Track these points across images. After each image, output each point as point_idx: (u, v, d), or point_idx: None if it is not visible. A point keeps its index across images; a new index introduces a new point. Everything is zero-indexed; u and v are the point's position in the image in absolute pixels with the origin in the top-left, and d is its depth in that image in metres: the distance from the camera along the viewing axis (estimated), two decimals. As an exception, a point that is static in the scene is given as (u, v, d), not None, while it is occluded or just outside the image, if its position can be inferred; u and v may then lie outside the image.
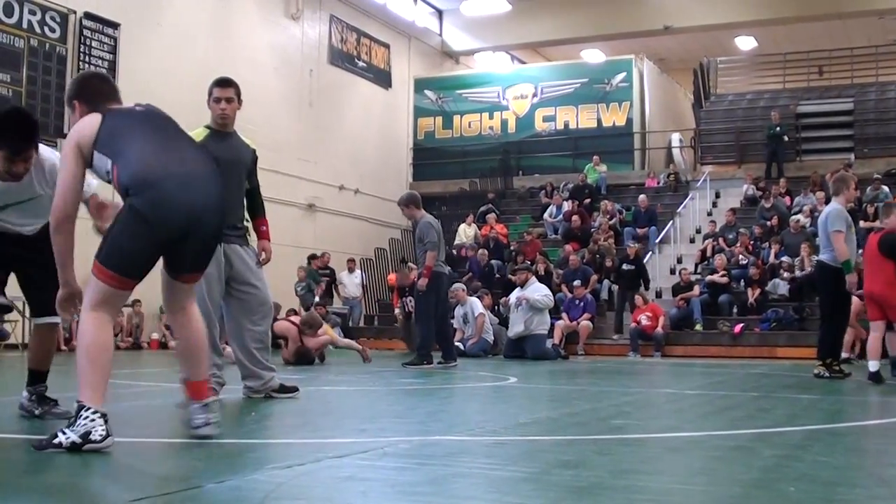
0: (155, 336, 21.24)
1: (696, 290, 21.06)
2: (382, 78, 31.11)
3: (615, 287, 21.77)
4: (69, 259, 4.73)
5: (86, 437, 4.21)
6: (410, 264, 18.04)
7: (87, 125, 4.70)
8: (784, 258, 21.14)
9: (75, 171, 4.64)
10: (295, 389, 7.56)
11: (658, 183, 28.91)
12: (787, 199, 24.72)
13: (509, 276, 21.96)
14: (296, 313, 17.53)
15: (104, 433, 4.25)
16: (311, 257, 23.35)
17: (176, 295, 4.87)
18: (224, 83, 7.39)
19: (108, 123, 4.68)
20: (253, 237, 7.63)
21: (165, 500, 3.24)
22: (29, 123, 5.53)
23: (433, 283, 13.26)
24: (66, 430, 4.24)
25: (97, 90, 4.96)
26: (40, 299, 5.83)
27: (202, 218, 4.58)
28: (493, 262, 23.52)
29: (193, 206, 4.53)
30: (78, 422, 4.26)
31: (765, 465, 4.33)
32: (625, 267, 21.12)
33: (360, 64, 29.82)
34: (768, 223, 23.40)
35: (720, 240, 23.17)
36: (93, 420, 4.27)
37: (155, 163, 4.55)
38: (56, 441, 4.22)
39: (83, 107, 4.87)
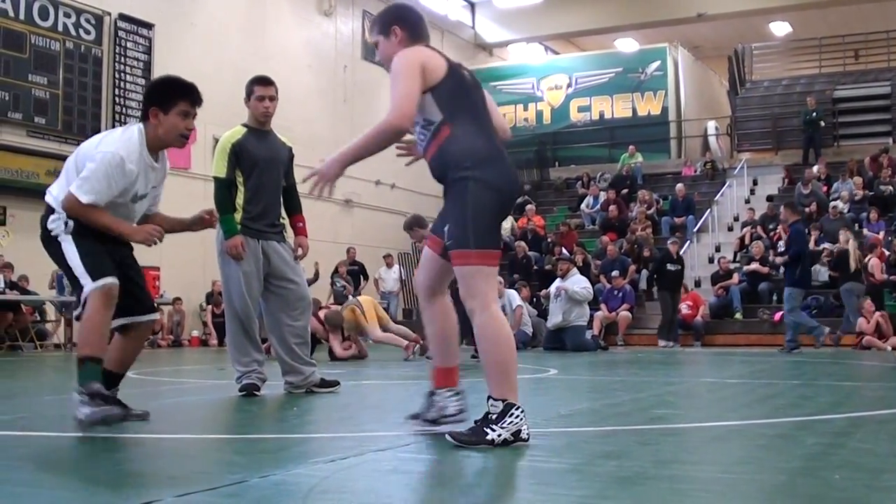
0: (195, 333, 21.35)
1: (736, 278, 20.96)
2: (416, 72, 31.06)
3: (655, 290, 20.45)
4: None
5: (517, 435, 4.37)
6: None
7: (433, 60, 4.70)
8: (824, 244, 20.99)
9: (418, 87, 4.57)
10: (336, 384, 7.59)
11: (695, 171, 28.77)
12: (824, 185, 24.57)
13: (546, 266, 21.93)
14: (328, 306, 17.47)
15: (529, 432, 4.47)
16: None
17: (443, 279, 4.84)
18: (266, 81, 7.43)
19: (452, 78, 4.71)
20: (290, 233, 7.66)
21: (211, 494, 3.26)
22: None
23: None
24: (496, 427, 4.37)
25: (422, 26, 4.97)
26: (140, 296, 5.66)
27: (517, 194, 4.93)
28: (531, 253, 23.47)
29: (518, 182, 4.90)
30: (507, 419, 4.37)
31: (808, 453, 4.32)
32: (670, 267, 19.63)
33: (394, 59, 29.79)
34: (807, 209, 23.25)
35: (758, 227, 23.04)
36: (520, 418, 4.41)
37: (490, 140, 4.66)
38: (488, 438, 4.33)
39: (405, 34, 4.86)
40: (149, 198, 5.62)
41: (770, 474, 3.74)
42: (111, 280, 5.17)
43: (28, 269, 18.02)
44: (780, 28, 34.57)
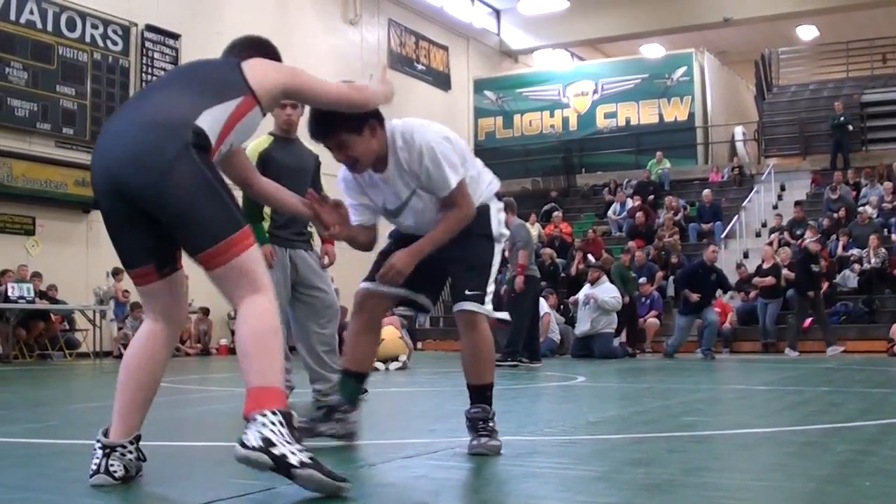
0: (223, 342, 21.43)
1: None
2: (442, 80, 31.14)
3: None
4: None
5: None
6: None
7: None
8: (853, 250, 20.88)
9: None
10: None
11: (722, 177, 28.66)
12: (852, 190, 24.44)
13: (571, 273, 21.94)
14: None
15: (94, 468, 3.64)
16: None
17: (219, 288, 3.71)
18: (290, 90, 7.40)
19: None
20: (317, 241, 7.67)
21: (240, 501, 3.28)
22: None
23: (527, 284, 13.66)
24: None
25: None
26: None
27: (123, 179, 3.50)
28: (558, 260, 23.42)
29: (107, 165, 3.56)
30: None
31: (839, 461, 4.29)
32: (814, 268, 18.57)
33: (420, 67, 29.87)
34: (835, 215, 23.13)
35: (786, 233, 22.95)
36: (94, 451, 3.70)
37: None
38: None
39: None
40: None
41: (800, 482, 3.73)
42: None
43: (56, 279, 18.13)
44: (807, 32, 34.45)
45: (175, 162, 3.42)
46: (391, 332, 13.70)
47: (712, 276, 17.78)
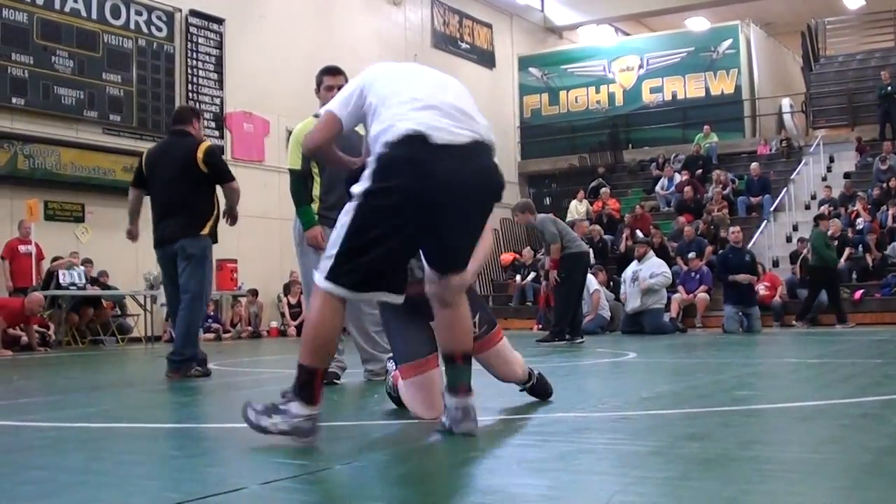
0: (274, 324, 21.53)
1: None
2: (486, 58, 31.06)
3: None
4: None
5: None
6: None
7: None
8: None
9: None
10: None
11: (770, 150, 28.43)
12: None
13: (619, 250, 21.87)
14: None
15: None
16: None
17: None
18: (334, 71, 7.43)
19: None
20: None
21: (296, 482, 3.29)
22: None
23: (568, 264, 13.90)
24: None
25: None
26: None
27: None
28: (606, 237, 23.34)
29: None
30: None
31: (894, 432, 4.26)
32: None
33: (464, 46, 29.81)
34: (885, 185, 22.88)
35: (837, 205, 22.75)
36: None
37: None
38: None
39: None
40: None
41: (856, 454, 3.70)
42: None
43: (107, 265, 18.30)
44: (854, 1, 34.04)
45: None
46: None
47: (746, 256, 17.80)
